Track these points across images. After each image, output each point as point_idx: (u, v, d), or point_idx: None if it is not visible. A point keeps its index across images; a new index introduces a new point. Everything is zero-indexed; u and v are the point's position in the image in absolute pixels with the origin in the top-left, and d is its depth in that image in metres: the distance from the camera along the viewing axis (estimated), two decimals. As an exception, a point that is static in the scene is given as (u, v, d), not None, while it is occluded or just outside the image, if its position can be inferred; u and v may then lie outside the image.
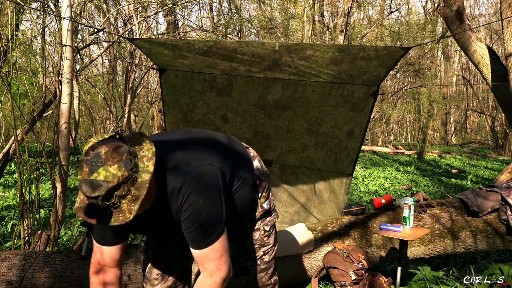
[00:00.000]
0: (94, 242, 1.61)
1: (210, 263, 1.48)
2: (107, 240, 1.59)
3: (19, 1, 3.32)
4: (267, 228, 1.86)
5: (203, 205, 1.45)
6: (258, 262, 1.84)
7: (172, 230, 1.57)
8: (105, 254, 1.60)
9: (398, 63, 2.95)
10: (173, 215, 1.51)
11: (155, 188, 1.43)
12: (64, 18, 3.11)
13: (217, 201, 1.50)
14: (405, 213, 2.79)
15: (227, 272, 1.51)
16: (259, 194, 1.81)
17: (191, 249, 1.51)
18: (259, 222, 1.83)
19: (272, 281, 1.89)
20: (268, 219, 1.86)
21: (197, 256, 1.50)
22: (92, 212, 1.29)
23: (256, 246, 1.83)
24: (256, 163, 1.83)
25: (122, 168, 1.27)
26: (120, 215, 1.29)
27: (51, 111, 4.14)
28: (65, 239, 4.08)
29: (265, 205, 1.83)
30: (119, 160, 1.27)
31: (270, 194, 1.89)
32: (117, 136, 1.36)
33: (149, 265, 1.83)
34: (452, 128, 25.43)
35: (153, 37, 10.09)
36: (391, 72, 3.09)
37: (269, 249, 1.87)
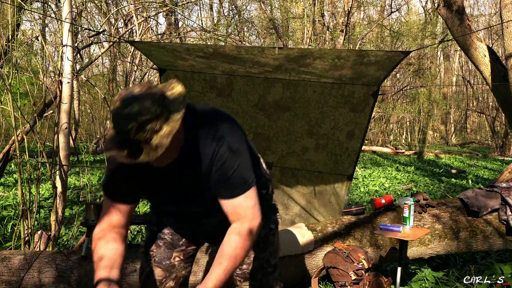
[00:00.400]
0: (105, 200, 1.55)
1: (247, 210, 1.47)
2: (120, 198, 1.53)
3: (20, 1, 3.33)
4: (272, 226, 1.83)
5: (237, 155, 1.47)
6: (265, 265, 1.81)
7: (193, 189, 1.55)
8: (113, 213, 1.53)
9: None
10: (201, 168, 1.48)
11: (183, 135, 1.43)
12: (65, 21, 3.11)
13: (247, 156, 1.52)
14: (405, 213, 2.79)
15: (261, 222, 1.51)
16: (266, 191, 1.79)
17: (225, 202, 1.49)
18: (264, 219, 1.70)
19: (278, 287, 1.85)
20: (272, 216, 1.83)
21: (233, 205, 1.48)
22: (123, 145, 1.28)
23: (261, 245, 1.78)
24: (262, 162, 1.83)
25: (156, 104, 1.28)
26: (151, 151, 1.26)
27: (51, 111, 4.14)
28: (65, 239, 4.09)
29: (272, 202, 1.84)
30: (153, 96, 1.29)
31: (273, 196, 1.88)
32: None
33: (156, 247, 1.76)
34: (452, 128, 25.43)
35: (154, 37, 10.09)
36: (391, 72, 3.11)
37: (274, 250, 1.84)
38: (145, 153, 1.27)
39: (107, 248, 1.49)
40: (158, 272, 1.73)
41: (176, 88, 1.40)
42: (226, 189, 1.48)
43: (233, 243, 1.46)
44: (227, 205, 1.50)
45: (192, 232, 1.76)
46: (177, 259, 1.76)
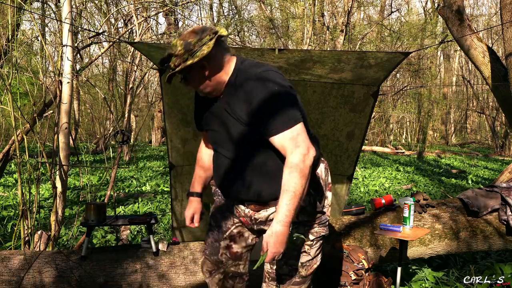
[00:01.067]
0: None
1: (298, 142, 1.52)
2: (198, 124, 1.91)
3: (20, 1, 3.32)
4: (311, 237, 1.80)
5: (281, 88, 1.58)
6: (293, 273, 1.80)
7: (228, 128, 1.68)
8: (203, 137, 1.97)
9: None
10: (235, 107, 1.62)
11: (222, 75, 1.66)
12: (64, 22, 3.11)
13: (293, 95, 1.64)
14: (405, 213, 2.79)
15: (315, 151, 1.55)
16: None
17: (274, 138, 1.55)
18: (306, 227, 1.78)
19: None
20: (315, 228, 1.81)
21: (283, 139, 1.53)
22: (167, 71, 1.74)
23: (295, 253, 1.78)
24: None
25: (183, 46, 1.59)
26: (183, 73, 1.66)
27: (51, 111, 4.14)
28: (65, 239, 4.09)
29: (319, 175, 1.81)
30: (192, 36, 1.60)
31: (326, 202, 1.84)
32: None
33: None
34: (452, 128, 25.43)
35: (154, 37, 10.09)
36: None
37: (308, 262, 1.81)
38: (177, 77, 1.68)
39: (206, 152, 1.97)
40: (208, 264, 1.95)
41: (221, 30, 1.63)
42: (273, 123, 1.54)
43: (285, 178, 1.51)
44: (276, 140, 1.55)
45: (222, 182, 1.81)
46: (224, 256, 1.90)
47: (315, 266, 1.84)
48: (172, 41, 1.65)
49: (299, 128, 1.55)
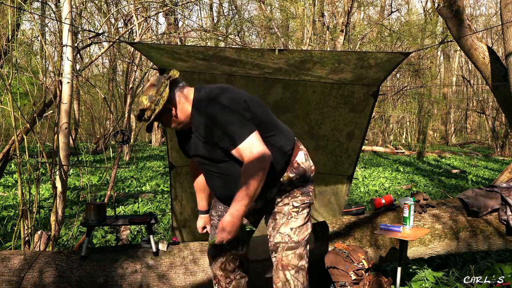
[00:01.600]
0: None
1: (255, 150, 1.81)
2: (186, 154, 2.19)
3: (20, 1, 3.32)
4: (296, 204, 2.05)
5: (227, 110, 1.85)
6: (286, 239, 2.01)
7: (203, 149, 1.96)
8: (192, 163, 2.31)
9: (398, 63, 2.98)
10: (201, 132, 1.92)
11: (186, 107, 1.95)
12: (64, 22, 3.11)
13: (240, 109, 1.87)
14: (405, 213, 2.79)
15: (262, 148, 1.82)
16: (292, 152, 2.08)
17: (233, 152, 1.85)
18: (289, 197, 2.05)
19: (301, 264, 2.01)
20: (299, 196, 2.06)
21: (239, 151, 1.84)
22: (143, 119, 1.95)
23: (284, 220, 2.03)
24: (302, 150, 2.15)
25: (154, 95, 1.89)
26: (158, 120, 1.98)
27: (51, 111, 4.14)
28: (65, 239, 4.09)
29: (300, 162, 2.07)
30: (152, 90, 1.90)
31: (309, 185, 2.11)
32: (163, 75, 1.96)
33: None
34: (452, 128, 25.43)
35: (154, 37, 10.09)
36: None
37: (298, 228, 2.03)
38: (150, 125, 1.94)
39: (195, 175, 2.32)
40: (212, 250, 2.21)
41: (172, 73, 1.94)
42: (228, 139, 1.84)
43: (242, 180, 1.81)
44: (234, 153, 1.86)
45: (217, 190, 2.13)
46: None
47: (306, 233, 2.06)
48: (139, 99, 1.93)
49: (252, 138, 1.83)
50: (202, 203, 2.36)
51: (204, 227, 2.32)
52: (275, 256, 2.05)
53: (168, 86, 1.90)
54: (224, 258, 2.19)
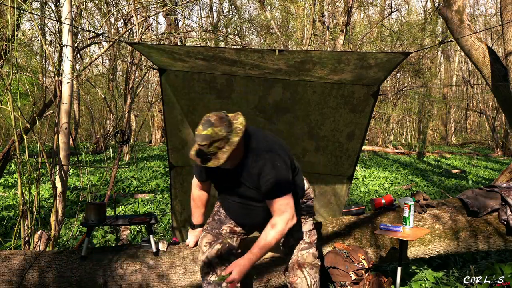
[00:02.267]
0: (194, 177, 2.49)
1: (286, 208, 2.10)
2: (201, 178, 2.43)
3: (20, 1, 3.32)
4: (303, 212, 2.44)
5: (276, 171, 2.10)
6: (300, 241, 2.30)
7: (238, 188, 2.22)
8: (200, 183, 2.50)
9: (398, 63, 2.97)
10: (247, 181, 2.17)
11: (241, 152, 2.12)
12: (64, 22, 3.11)
13: (286, 171, 2.15)
14: (405, 213, 2.79)
15: (295, 219, 2.13)
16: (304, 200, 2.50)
17: (269, 202, 2.14)
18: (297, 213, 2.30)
19: (315, 262, 2.26)
20: (303, 205, 2.44)
21: (275, 204, 2.12)
22: (199, 155, 2.05)
23: (297, 227, 2.29)
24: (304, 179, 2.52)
25: (222, 130, 1.99)
26: (215, 160, 2.02)
27: (51, 111, 4.14)
28: (65, 239, 4.09)
29: (306, 189, 2.50)
30: (221, 124, 2.00)
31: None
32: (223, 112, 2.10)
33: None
34: (452, 128, 25.43)
35: (154, 37, 10.09)
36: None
37: (308, 232, 2.37)
38: (211, 161, 2.02)
39: (200, 194, 2.52)
40: (208, 237, 2.36)
41: (239, 119, 2.09)
42: (271, 193, 2.12)
43: (269, 237, 2.08)
44: (270, 203, 2.13)
45: (235, 216, 2.41)
46: (224, 230, 2.40)
47: (315, 236, 2.39)
48: (204, 131, 2.00)
49: (288, 197, 2.12)
50: (199, 219, 2.61)
51: (197, 242, 2.51)
52: (290, 258, 2.28)
53: (243, 129, 2.07)
54: (221, 245, 2.33)
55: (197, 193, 2.56)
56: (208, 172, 2.32)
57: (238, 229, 2.46)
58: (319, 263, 2.34)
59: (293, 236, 2.38)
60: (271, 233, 2.08)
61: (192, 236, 2.60)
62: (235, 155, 2.07)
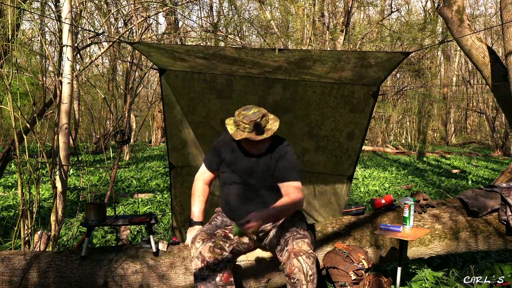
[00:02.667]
0: (203, 165, 2.69)
1: (295, 191, 2.40)
2: (212, 167, 2.65)
3: (20, 1, 3.32)
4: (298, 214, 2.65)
5: (294, 156, 2.53)
6: (294, 233, 2.40)
7: (257, 171, 2.48)
8: (206, 174, 2.68)
9: (398, 63, 2.98)
10: (270, 160, 2.47)
11: (270, 141, 2.50)
12: (64, 22, 3.11)
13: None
14: (405, 213, 2.79)
15: (303, 196, 2.44)
16: None
17: (283, 184, 2.43)
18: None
19: (310, 251, 2.30)
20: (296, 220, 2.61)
21: (288, 186, 2.42)
22: (257, 129, 2.35)
23: (290, 223, 2.50)
24: None
25: (260, 109, 2.41)
26: (269, 131, 2.38)
27: (51, 111, 4.14)
28: (65, 239, 4.09)
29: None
30: (255, 107, 2.44)
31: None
32: None
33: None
34: (452, 128, 25.42)
35: (154, 37, 10.08)
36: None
37: (301, 226, 2.48)
38: (266, 133, 2.37)
39: (206, 189, 2.69)
40: (202, 235, 2.44)
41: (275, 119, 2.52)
42: (286, 174, 2.43)
43: (284, 200, 2.37)
44: (284, 185, 2.43)
45: (236, 203, 2.54)
46: (219, 233, 2.50)
47: (308, 233, 2.46)
48: (250, 112, 2.37)
49: (299, 183, 2.46)
50: (199, 215, 2.66)
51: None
52: (286, 250, 2.30)
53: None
54: (213, 243, 2.38)
55: (201, 187, 2.68)
56: (226, 157, 2.55)
57: (232, 235, 2.53)
58: (316, 256, 2.34)
59: (288, 229, 2.46)
60: (285, 199, 2.36)
61: (191, 234, 2.61)
62: (268, 140, 2.47)
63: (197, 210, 2.66)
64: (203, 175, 2.70)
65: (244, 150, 2.51)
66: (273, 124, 2.42)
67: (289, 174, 2.43)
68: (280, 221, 2.52)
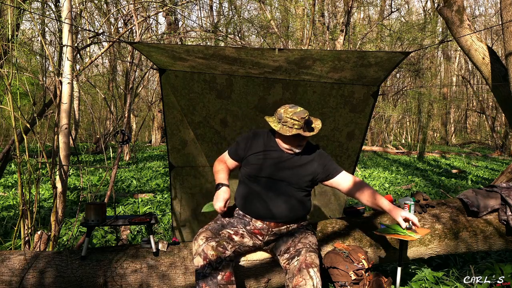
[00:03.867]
0: (227, 153, 2.67)
1: (349, 177, 2.60)
2: (235, 157, 2.63)
3: (19, 1, 3.32)
4: (310, 228, 2.68)
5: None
6: (307, 245, 2.42)
7: (287, 169, 2.50)
8: (228, 161, 2.66)
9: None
10: (302, 161, 2.53)
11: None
12: (64, 22, 3.11)
13: None
14: (405, 213, 2.78)
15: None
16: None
17: (339, 175, 2.59)
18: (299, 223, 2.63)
19: (319, 264, 2.34)
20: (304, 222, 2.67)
21: (344, 173, 2.61)
22: (308, 124, 2.48)
23: (303, 235, 2.51)
24: None
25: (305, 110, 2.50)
26: (316, 129, 2.51)
27: (51, 111, 4.14)
28: (65, 239, 4.09)
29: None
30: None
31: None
32: None
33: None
34: (452, 128, 25.43)
35: (154, 37, 10.09)
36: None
37: (313, 240, 2.51)
38: (315, 130, 2.49)
39: (222, 166, 2.65)
40: (207, 233, 2.45)
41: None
42: (336, 167, 2.61)
43: (369, 187, 2.55)
44: (341, 175, 2.60)
45: (258, 200, 2.52)
46: (223, 233, 2.50)
47: (318, 251, 2.48)
48: (298, 109, 2.47)
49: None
50: (224, 177, 2.59)
51: (227, 201, 2.48)
52: (297, 260, 2.33)
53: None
54: (217, 243, 2.38)
55: (222, 165, 2.67)
56: (258, 152, 2.56)
57: (236, 238, 2.53)
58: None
59: (301, 240, 2.47)
60: (364, 185, 2.58)
61: (218, 199, 2.47)
62: (307, 141, 2.59)
63: (222, 176, 2.58)
64: (224, 159, 2.68)
65: (277, 147, 2.54)
66: (317, 123, 2.54)
67: (337, 166, 2.60)
68: (291, 229, 2.55)
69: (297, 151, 2.50)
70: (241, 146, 2.59)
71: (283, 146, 2.50)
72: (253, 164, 2.53)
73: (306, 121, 2.43)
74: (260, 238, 2.57)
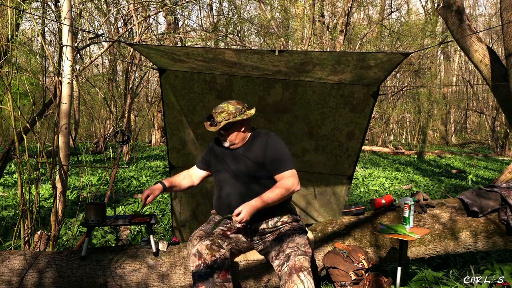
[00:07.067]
0: (192, 168, 2.79)
1: (295, 180, 2.39)
2: (200, 165, 2.73)
3: (19, 1, 3.32)
4: (297, 229, 2.54)
5: (281, 141, 2.49)
6: (296, 249, 2.36)
7: (239, 167, 2.48)
8: (196, 171, 2.76)
9: (398, 63, 2.98)
10: (252, 154, 2.46)
11: (246, 136, 2.54)
12: (64, 22, 3.11)
13: (286, 149, 2.49)
14: (405, 213, 2.79)
15: (298, 182, 2.40)
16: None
17: (277, 176, 2.43)
18: (288, 224, 2.55)
19: (309, 268, 2.30)
20: (295, 222, 2.57)
21: (282, 177, 2.41)
22: (209, 118, 2.48)
23: (290, 239, 2.44)
24: None
25: (233, 108, 2.46)
26: (217, 126, 2.45)
27: (51, 111, 4.14)
28: (65, 239, 4.09)
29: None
30: (235, 105, 2.48)
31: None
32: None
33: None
34: (452, 128, 25.42)
35: (154, 37, 10.08)
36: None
37: (303, 243, 2.42)
38: (213, 127, 2.45)
39: (186, 173, 2.77)
40: (200, 233, 2.48)
41: (252, 111, 2.54)
42: (278, 165, 2.42)
43: (277, 186, 2.37)
44: (278, 177, 2.42)
45: (228, 196, 2.52)
46: (217, 231, 2.52)
47: (309, 250, 2.41)
48: (225, 105, 2.46)
49: (294, 171, 2.43)
50: (167, 181, 2.67)
51: (148, 196, 2.50)
52: (287, 265, 2.29)
53: (252, 113, 2.51)
54: (211, 242, 2.41)
55: (185, 172, 2.78)
56: (213, 156, 2.63)
57: (231, 234, 2.55)
58: (311, 270, 2.35)
59: (289, 244, 2.42)
60: (278, 186, 2.36)
61: (153, 187, 2.59)
62: (241, 136, 2.50)
63: (171, 179, 2.70)
64: (191, 171, 2.79)
65: (227, 147, 2.56)
66: (222, 116, 2.44)
67: (278, 165, 2.42)
68: (278, 233, 2.50)
69: (226, 145, 2.53)
70: (203, 154, 2.73)
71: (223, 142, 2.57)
72: (213, 166, 2.64)
73: (208, 116, 2.48)
74: (245, 237, 2.58)
